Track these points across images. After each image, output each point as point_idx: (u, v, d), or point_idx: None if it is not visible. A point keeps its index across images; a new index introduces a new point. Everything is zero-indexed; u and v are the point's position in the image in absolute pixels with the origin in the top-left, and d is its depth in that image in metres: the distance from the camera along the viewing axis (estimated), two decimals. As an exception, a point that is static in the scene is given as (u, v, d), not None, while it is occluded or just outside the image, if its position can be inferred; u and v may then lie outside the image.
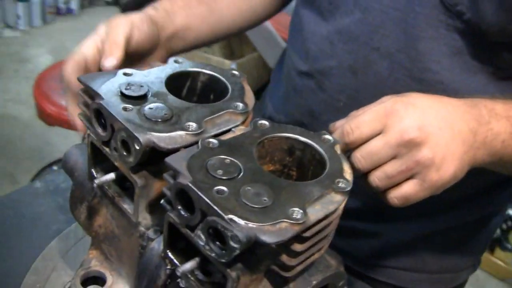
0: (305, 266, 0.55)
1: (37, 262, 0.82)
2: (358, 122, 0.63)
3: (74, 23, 4.24)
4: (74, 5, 4.33)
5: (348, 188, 0.53)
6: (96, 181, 0.61)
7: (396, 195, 0.64)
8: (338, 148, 0.59)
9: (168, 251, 0.56)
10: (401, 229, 0.96)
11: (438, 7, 0.74)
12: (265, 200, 0.49)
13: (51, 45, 3.84)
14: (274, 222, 0.47)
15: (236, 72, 0.67)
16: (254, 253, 0.51)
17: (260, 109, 1.09)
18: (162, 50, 0.83)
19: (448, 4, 0.73)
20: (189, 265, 0.53)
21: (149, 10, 0.83)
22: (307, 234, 0.50)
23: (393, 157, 0.62)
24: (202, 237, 0.50)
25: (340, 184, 0.53)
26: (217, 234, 0.48)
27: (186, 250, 0.56)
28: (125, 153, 0.57)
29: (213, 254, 0.49)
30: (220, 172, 0.51)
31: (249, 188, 0.50)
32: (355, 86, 0.82)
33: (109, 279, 0.69)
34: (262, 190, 0.50)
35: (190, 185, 0.49)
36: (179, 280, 0.57)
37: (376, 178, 0.63)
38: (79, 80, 0.62)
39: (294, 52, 0.95)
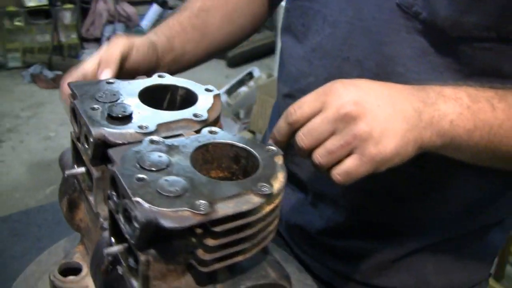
0: (224, 265, 0.56)
1: (42, 256, 0.89)
2: (300, 103, 0.67)
3: (186, 75, 4.52)
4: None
5: (268, 192, 0.55)
6: (67, 172, 0.68)
7: (338, 172, 0.66)
8: (279, 159, 0.61)
9: (111, 237, 0.61)
10: (399, 243, 0.94)
11: (396, 11, 0.76)
12: (176, 190, 0.53)
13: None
14: (177, 209, 0.51)
15: (210, 88, 0.72)
16: (170, 243, 0.54)
17: (266, 137, 1.13)
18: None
19: (404, 6, 0.75)
20: (115, 249, 0.57)
21: (151, 36, 0.90)
22: (217, 229, 0.53)
23: (333, 133, 0.65)
24: (121, 219, 0.54)
25: (262, 188, 0.55)
26: (129, 217, 0.52)
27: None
28: (86, 146, 0.63)
29: (127, 235, 0.53)
30: (148, 164, 0.56)
31: (167, 179, 0.54)
32: None
33: (85, 270, 0.75)
34: (179, 182, 0.54)
35: (115, 171, 0.54)
36: (118, 267, 0.62)
37: (318, 155, 0.66)
38: (68, 85, 0.71)
39: (279, 78, 1.00)
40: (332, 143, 0.65)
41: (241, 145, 0.62)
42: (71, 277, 0.74)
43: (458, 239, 0.94)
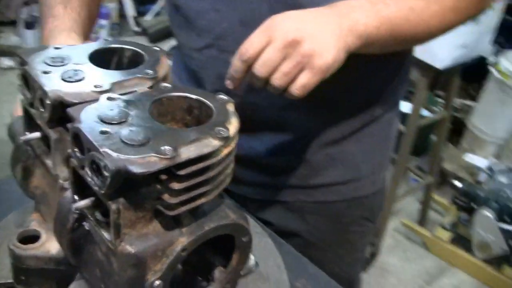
0: (189, 208, 0.60)
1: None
2: (249, 42, 0.79)
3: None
4: (103, 34, 4.53)
5: (225, 135, 0.59)
6: (22, 137, 0.69)
7: (296, 87, 0.79)
8: (231, 106, 0.65)
9: (75, 195, 0.63)
10: (328, 140, 1.09)
11: None
12: (139, 139, 0.56)
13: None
14: (144, 155, 0.54)
15: (156, 48, 0.75)
16: (138, 191, 0.57)
17: None
18: None
19: None
20: (83, 203, 0.60)
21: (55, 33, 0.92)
22: (182, 172, 0.57)
23: (284, 59, 0.78)
24: (89, 172, 0.56)
25: (219, 131, 0.59)
26: (98, 168, 0.55)
27: (92, 195, 0.63)
28: (42, 110, 0.65)
29: (95, 187, 0.56)
30: (110, 118, 0.58)
31: (131, 129, 0.57)
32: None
33: (43, 236, 0.76)
34: (141, 132, 0.57)
35: (78, 126, 0.57)
36: (84, 223, 0.64)
37: (277, 79, 0.78)
38: (17, 53, 0.71)
39: (187, 38, 1.06)
40: (286, 66, 0.78)
41: (194, 96, 0.65)
42: (31, 244, 0.76)
43: (369, 123, 1.10)
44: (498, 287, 2.55)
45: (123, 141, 0.55)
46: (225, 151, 0.60)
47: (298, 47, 0.77)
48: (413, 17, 0.88)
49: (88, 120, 0.58)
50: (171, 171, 0.57)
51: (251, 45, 0.79)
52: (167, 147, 0.55)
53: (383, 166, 1.20)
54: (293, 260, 0.99)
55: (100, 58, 0.73)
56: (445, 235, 2.72)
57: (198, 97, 0.65)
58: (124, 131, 0.56)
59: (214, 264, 0.74)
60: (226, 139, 0.59)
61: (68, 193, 0.66)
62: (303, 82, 0.79)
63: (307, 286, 0.99)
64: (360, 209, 1.18)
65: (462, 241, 2.71)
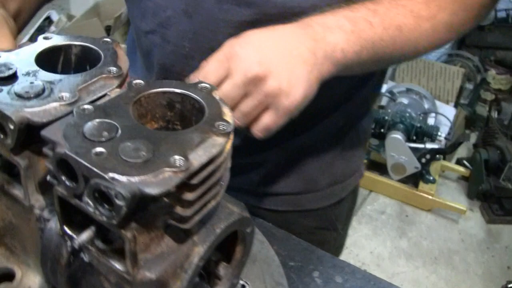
0: (202, 215, 0.55)
1: None
2: (205, 73, 0.67)
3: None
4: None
5: (229, 130, 0.53)
6: (-22, 171, 0.59)
7: (258, 129, 0.70)
8: (216, 94, 0.59)
9: (64, 227, 0.55)
10: (282, 149, 1.00)
11: None
12: (143, 154, 0.49)
13: None
14: (156, 172, 0.47)
15: (107, 39, 0.66)
16: (147, 210, 0.51)
17: None
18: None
19: None
20: (85, 235, 0.52)
21: None
22: (195, 181, 0.50)
23: (245, 96, 0.67)
24: (90, 203, 0.49)
25: (220, 127, 0.54)
26: (103, 197, 0.48)
27: (83, 222, 0.55)
28: (2, 136, 0.55)
29: (103, 218, 0.48)
30: (97, 135, 0.50)
31: (128, 144, 0.49)
32: (193, 28, 0.84)
33: (18, 273, 0.67)
34: (141, 144, 0.50)
35: (67, 152, 0.48)
36: (81, 254, 0.57)
37: (236, 119, 0.67)
38: None
39: (134, 15, 0.95)
40: (246, 106, 0.68)
41: (176, 90, 0.58)
42: (9, 284, 0.67)
43: (333, 133, 1.02)
44: (417, 202, 2.71)
45: (125, 160, 0.48)
46: (228, 146, 0.55)
47: (261, 85, 0.66)
48: (400, 39, 0.76)
49: (72, 142, 0.50)
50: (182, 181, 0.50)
51: (206, 77, 0.67)
52: (176, 157, 0.49)
53: (347, 176, 1.10)
54: (259, 228, 0.96)
55: (46, 60, 0.63)
56: (360, 163, 2.82)
57: (181, 90, 0.58)
58: (121, 148, 0.49)
59: (212, 261, 0.69)
60: (228, 134, 0.54)
61: (52, 224, 0.59)
62: (266, 125, 0.69)
63: (280, 252, 0.97)
64: (315, 220, 1.11)
65: (377, 166, 2.83)
